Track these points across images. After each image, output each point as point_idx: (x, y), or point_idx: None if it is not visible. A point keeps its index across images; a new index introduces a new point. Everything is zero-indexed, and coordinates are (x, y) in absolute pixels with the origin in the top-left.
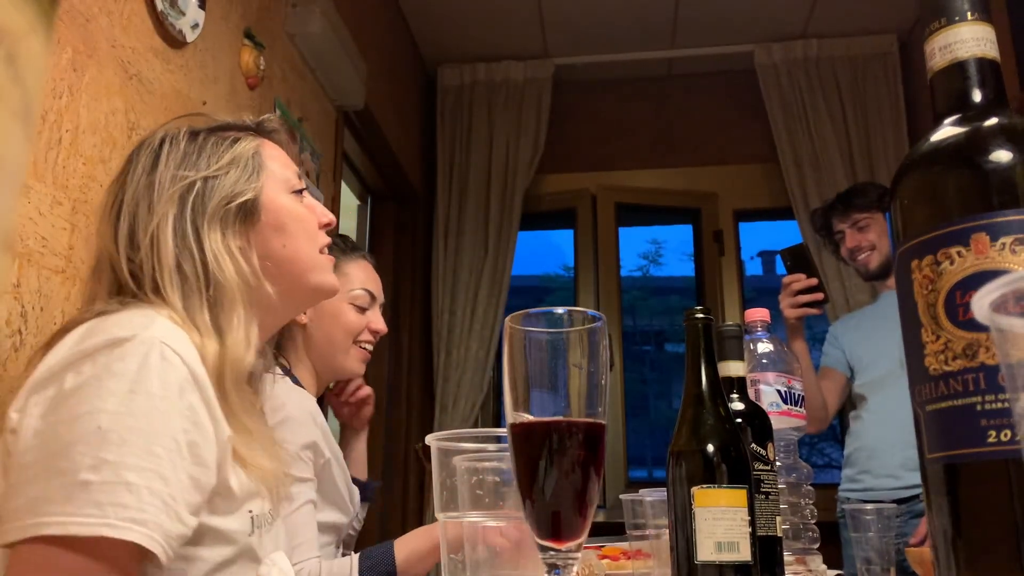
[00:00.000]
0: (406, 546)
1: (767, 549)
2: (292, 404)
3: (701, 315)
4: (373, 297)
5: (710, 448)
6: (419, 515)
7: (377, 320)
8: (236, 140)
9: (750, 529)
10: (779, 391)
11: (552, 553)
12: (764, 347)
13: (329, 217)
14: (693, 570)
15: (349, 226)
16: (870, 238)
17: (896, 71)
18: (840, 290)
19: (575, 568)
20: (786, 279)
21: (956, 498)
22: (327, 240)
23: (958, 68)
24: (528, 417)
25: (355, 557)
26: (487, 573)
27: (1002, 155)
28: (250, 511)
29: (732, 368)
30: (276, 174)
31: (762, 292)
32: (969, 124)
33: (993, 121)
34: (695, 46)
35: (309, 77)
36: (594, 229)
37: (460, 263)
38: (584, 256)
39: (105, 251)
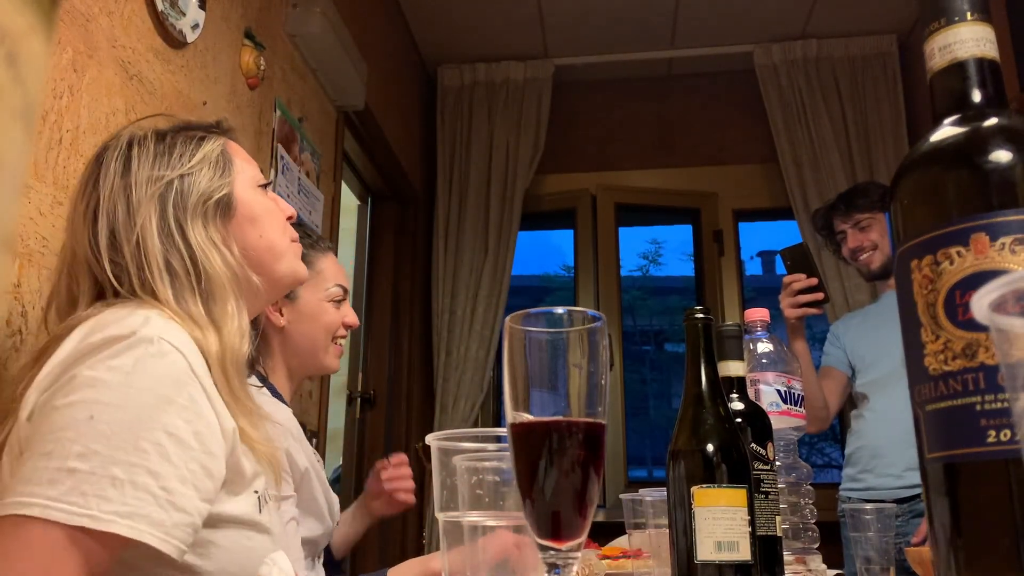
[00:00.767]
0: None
1: (767, 549)
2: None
3: (701, 315)
4: (345, 291)
5: (710, 448)
6: (419, 515)
7: (350, 314)
8: (203, 139)
9: (750, 529)
10: (779, 391)
11: (552, 553)
12: (764, 347)
13: (291, 210)
14: (693, 569)
15: (349, 226)
16: (872, 238)
17: (896, 71)
18: (840, 290)
19: (575, 568)
20: (786, 279)
21: (956, 498)
22: (294, 232)
23: (958, 68)
24: (528, 417)
25: None
26: None
27: (1002, 155)
28: (255, 491)
29: (732, 368)
30: (243, 170)
31: (762, 292)
32: (969, 124)
33: (993, 121)
34: (695, 46)
35: (309, 77)
36: (594, 229)
37: (460, 263)
38: (584, 256)
39: (82, 254)
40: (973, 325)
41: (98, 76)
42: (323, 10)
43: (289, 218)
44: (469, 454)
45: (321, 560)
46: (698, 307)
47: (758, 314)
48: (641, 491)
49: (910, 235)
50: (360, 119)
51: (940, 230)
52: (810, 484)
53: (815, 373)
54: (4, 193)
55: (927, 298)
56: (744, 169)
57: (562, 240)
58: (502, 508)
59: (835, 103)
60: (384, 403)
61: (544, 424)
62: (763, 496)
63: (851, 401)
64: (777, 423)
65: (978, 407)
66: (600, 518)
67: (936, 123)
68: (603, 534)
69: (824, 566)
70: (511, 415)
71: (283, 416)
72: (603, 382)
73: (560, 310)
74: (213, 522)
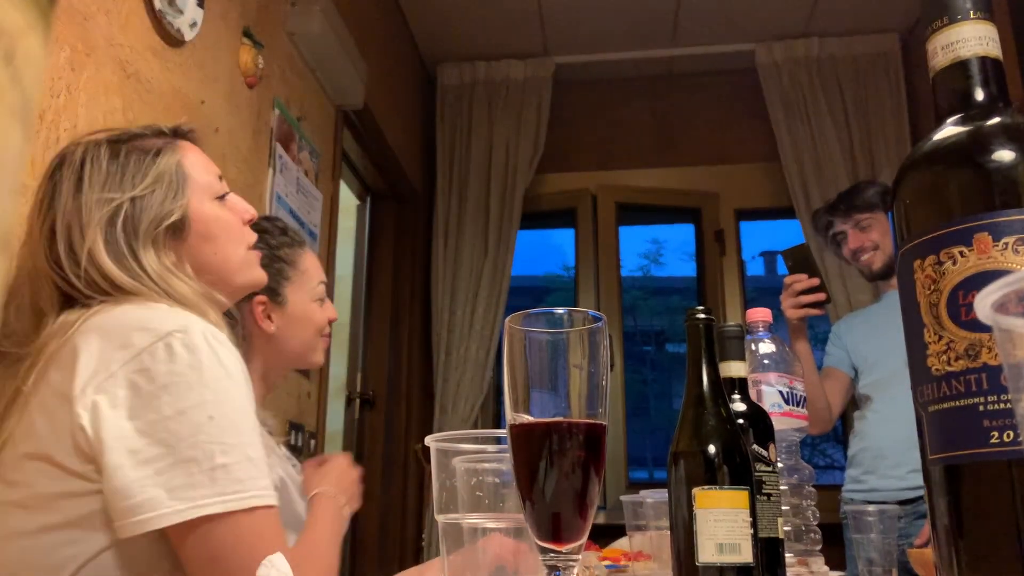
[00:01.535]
0: None
1: (769, 551)
2: None
3: (702, 315)
4: (327, 286)
5: (711, 449)
6: (418, 516)
7: (332, 309)
8: (158, 153)
9: (752, 531)
10: (781, 392)
11: (552, 555)
12: (766, 347)
13: (251, 212)
14: (694, 572)
15: (348, 225)
16: (873, 238)
17: (898, 70)
18: (842, 290)
19: (575, 570)
20: (788, 279)
21: (958, 499)
22: (253, 236)
23: (960, 67)
24: (528, 418)
25: None
26: None
27: (1005, 154)
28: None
29: (733, 368)
30: (199, 183)
31: (764, 292)
32: (971, 123)
33: (996, 120)
34: (696, 45)
35: (308, 76)
36: (594, 229)
37: (460, 263)
38: (584, 256)
39: (43, 268)
40: (976, 325)
41: (96, 75)
42: (322, 8)
43: (248, 221)
44: (468, 455)
45: None
46: (699, 307)
47: (760, 314)
48: (642, 492)
49: (913, 235)
50: (359, 118)
51: (943, 230)
52: (812, 486)
53: (817, 374)
54: (2, 193)
55: (930, 298)
56: (746, 168)
57: (562, 240)
58: (502, 510)
59: (837, 102)
60: (383, 404)
61: (544, 425)
62: (765, 498)
63: (854, 402)
64: (779, 424)
65: (981, 408)
66: (601, 520)
67: (939, 122)
68: (604, 536)
69: (826, 568)
70: (511, 416)
71: None
72: (604, 383)
73: (560, 310)
74: None
